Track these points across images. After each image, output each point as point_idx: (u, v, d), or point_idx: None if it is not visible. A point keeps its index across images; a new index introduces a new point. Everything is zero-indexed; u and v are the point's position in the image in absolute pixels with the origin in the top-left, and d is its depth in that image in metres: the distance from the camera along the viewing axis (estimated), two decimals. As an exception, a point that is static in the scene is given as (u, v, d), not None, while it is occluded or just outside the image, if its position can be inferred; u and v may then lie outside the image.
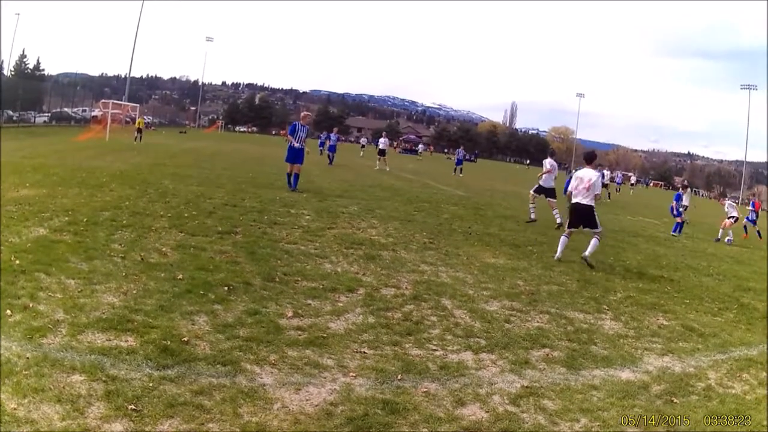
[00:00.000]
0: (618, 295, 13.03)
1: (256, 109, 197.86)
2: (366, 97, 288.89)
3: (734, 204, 32.52)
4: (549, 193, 25.17)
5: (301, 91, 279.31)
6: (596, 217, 16.51)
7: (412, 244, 16.12)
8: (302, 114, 27.59)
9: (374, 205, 23.55)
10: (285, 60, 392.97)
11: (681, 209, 30.93)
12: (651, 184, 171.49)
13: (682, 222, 30.33)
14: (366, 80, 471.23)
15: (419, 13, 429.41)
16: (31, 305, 8.35)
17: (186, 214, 16.41)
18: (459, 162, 62.99)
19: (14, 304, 8.33)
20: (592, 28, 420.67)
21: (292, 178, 25.77)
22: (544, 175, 25.30)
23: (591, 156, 17.73)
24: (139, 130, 60.28)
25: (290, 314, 9.39)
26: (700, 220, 41.00)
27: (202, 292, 9.80)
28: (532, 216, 24.91)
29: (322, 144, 59.66)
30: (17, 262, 10.16)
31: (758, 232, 33.27)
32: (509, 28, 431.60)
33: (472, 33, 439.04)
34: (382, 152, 51.83)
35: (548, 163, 26.23)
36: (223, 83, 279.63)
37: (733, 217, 30.78)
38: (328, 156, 50.28)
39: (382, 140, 53.43)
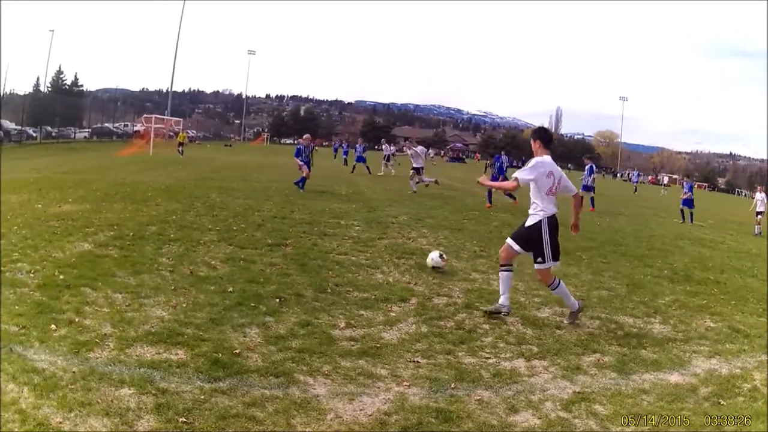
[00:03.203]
0: (666, 298, 12.91)
1: (301, 121, 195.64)
2: (411, 107, 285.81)
3: (764, 199, 34.10)
4: (418, 170, 34.79)
5: (346, 102, 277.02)
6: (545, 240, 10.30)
7: (463, 252, 16.06)
8: (304, 137, 32.21)
9: (423, 214, 23.54)
10: (329, 71, 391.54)
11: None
12: (695, 186, 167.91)
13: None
14: (411, 89, 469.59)
15: (463, 21, 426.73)
16: (76, 319, 8.37)
17: (235, 227, 16.51)
18: (501, 171, 52.12)
19: (59, 318, 8.35)
20: (635, 32, 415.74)
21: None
22: (412, 159, 35.43)
23: (543, 134, 10.88)
24: (181, 144, 60.54)
25: (343, 325, 9.39)
26: (744, 219, 40.61)
27: (253, 305, 9.81)
28: (414, 189, 33.95)
29: (336, 150, 58.58)
30: (61, 276, 10.19)
31: None
32: (552, 32, 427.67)
33: (516, 39, 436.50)
34: (387, 158, 53.49)
35: (416, 149, 35.85)
36: (267, 96, 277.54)
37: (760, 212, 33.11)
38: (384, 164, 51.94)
39: (386, 146, 55.82)
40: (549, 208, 10.16)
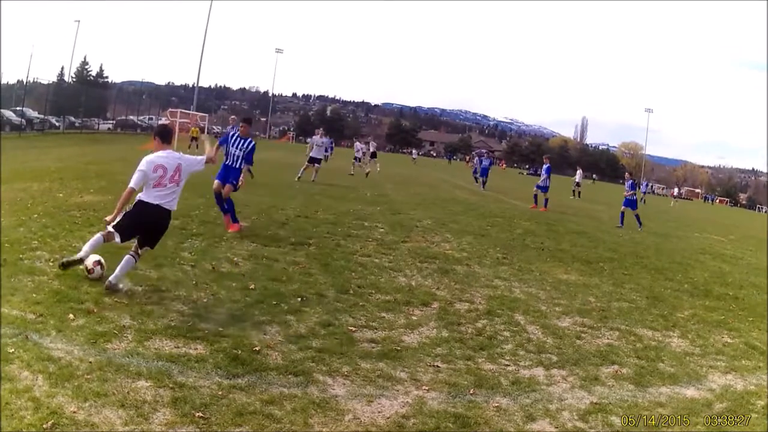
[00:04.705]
0: (685, 312, 12.83)
1: (327, 121, 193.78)
2: (438, 111, 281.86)
3: None
4: (316, 161, 34.35)
5: (372, 104, 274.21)
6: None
7: (486, 258, 16.03)
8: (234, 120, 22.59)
9: (448, 219, 23.58)
10: (356, 72, 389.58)
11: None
12: (717, 201, 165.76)
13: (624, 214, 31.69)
14: (438, 94, 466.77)
15: (491, 27, 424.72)
16: (95, 310, 8.43)
17: (258, 225, 16.66)
18: (484, 172, 50.53)
19: (77, 308, 8.41)
20: (663, 44, 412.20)
21: (224, 202, 16.20)
22: (314, 147, 34.98)
23: (160, 131, 10.80)
24: (193, 139, 60.26)
25: (364, 326, 9.43)
26: (765, 236, 40.45)
27: (274, 303, 9.87)
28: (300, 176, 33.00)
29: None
30: (81, 267, 10.11)
31: None
32: (580, 42, 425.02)
33: (544, 47, 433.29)
34: (357, 158, 51.89)
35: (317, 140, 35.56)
36: (294, 95, 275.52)
37: None
38: (480, 180, 49.24)
39: (357, 146, 53.26)
40: (146, 196, 9.96)
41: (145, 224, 9.99)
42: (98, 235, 9.88)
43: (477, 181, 51.65)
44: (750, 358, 10.19)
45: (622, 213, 31.29)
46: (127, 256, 9.87)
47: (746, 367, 9.70)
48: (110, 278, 9.54)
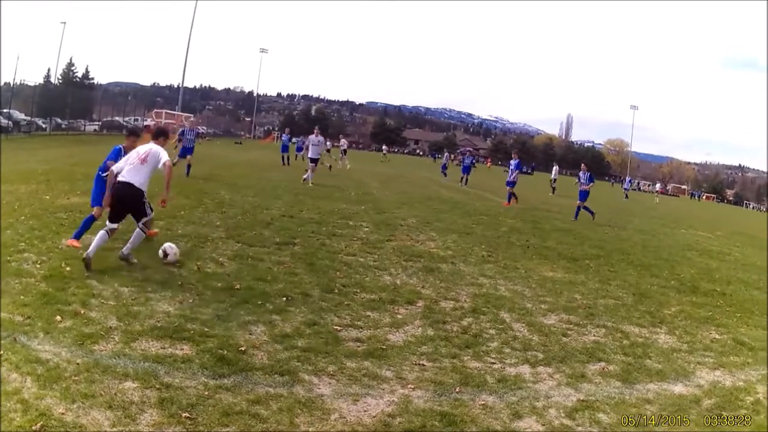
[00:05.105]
0: (672, 309, 12.85)
1: (312, 121, 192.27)
2: (422, 110, 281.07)
3: None
4: (313, 161, 33.57)
5: (357, 103, 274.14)
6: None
7: (471, 256, 16.02)
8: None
9: (433, 217, 23.55)
10: (341, 72, 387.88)
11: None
12: (703, 197, 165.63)
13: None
14: (422, 92, 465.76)
15: (475, 26, 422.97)
16: (82, 311, 8.44)
17: (243, 225, 16.58)
18: (465, 170, 51.62)
19: (65, 310, 8.43)
20: (647, 40, 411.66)
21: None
22: (310, 147, 34.54)
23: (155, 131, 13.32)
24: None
25: (349, 325, 9.42)
26: (751, 232, 40.53)
27: (259, 302, 9.88)
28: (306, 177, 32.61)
29: (300, 149, 53.29)
30: (68, 268, 10.28)
31: None
32: (565, 39, 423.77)
33: (528, 45, 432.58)
34: (343, 152, 56.97)
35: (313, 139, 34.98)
36: (279, 94, 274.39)
37: None
38: (464, 177, 49.85)
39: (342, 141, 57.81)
40: (121, 176, 11.50)
41: (119, 198, 11.42)
42: (102, 232, 11.15)
43: (445, 176, 54.84)
44: (738, 354, 10.22)
45: (585, 208, 31.07)
46: (137, 230, 11.41)
47: (734, 363, 9.73)
48: (122, 250, 11.34)
